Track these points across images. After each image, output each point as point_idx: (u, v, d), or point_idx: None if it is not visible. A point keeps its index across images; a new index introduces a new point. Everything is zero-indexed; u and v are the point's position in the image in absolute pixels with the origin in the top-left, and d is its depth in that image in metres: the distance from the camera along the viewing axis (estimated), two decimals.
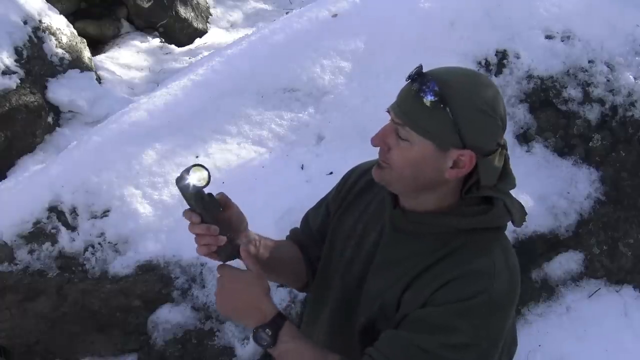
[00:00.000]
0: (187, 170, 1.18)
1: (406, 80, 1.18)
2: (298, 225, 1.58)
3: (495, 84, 1.21)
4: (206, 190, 1.21)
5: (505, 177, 1.22)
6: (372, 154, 1.51)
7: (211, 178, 1.19)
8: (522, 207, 1.27)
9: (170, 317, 2.64)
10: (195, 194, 1.19)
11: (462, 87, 1.14)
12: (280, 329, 1.16)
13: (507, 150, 1.21)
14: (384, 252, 1.26)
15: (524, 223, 1.28)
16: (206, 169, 1.19)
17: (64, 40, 4.81)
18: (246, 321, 1.21)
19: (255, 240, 1.37)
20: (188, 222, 1.24)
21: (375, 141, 1.22)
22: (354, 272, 1.31)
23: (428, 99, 1.11)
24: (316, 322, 1.42)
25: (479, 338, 1.11)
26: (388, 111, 1.20)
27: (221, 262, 1.26)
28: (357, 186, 1.42)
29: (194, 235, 1.24)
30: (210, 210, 1.21)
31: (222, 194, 1.30)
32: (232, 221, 1.30)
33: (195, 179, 1.18)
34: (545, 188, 2.92)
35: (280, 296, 2.58)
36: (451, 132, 1.13)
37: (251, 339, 2.56)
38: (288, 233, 1.59)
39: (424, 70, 1.17)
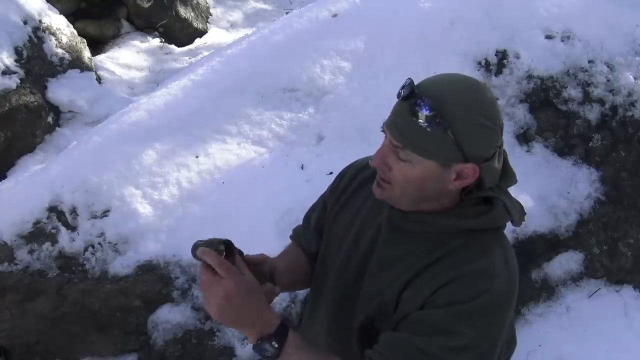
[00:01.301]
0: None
1: (397, 97, 1.15)
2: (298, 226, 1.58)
3: (488, 87, 1.20)
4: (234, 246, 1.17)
5: (505, 174, 1.22)
6: (372, 153, 1.52)
7: (227, 245, 1.14)
8: (521, 207, 1.26)
9: (170, 317, 2.64)
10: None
11: (459, 102, 1.11)
12: (285, 340, 1.11)
13: (503, 147, 1.20)
14: (381, 250, 1.26)
15: (524, 223, 1.27)
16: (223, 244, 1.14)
17: (64, 40, 4.82)
18: (247, 330, 1.12)
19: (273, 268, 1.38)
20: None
21: (375, 163, 1.19)
22: (351, 269, 1.31)
23: (424, 118, 1.08)
24: (315, 321, 1.41)
25: (479, 339, 1.11)
26: (383, 130, 1.18)
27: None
28: (354, 182, 1.41)
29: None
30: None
31: (262, 256, 1.32)
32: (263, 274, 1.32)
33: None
34: (545, 188, 2.92)
35: (280, 296, 2.58)
36: (453, 149, 1.11)
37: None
38: (288, 232, 1.59)
39: (415, 82, 1.14)
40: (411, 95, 1.12)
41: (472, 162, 1.13)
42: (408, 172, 1.14)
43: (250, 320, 1.11)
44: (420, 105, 1.09)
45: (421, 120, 1.09)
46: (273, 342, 1.10)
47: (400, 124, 1.13)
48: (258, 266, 1.31)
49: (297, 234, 1.55)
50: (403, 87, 1.14)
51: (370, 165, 1.20)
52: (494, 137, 1.14)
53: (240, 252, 1.20)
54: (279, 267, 1.38)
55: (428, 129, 1.09)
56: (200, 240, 1.15)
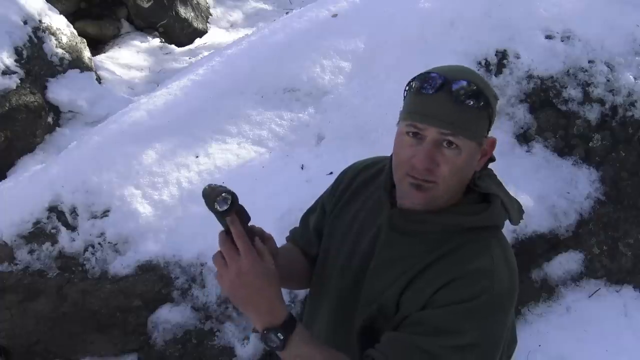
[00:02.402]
0: (216, 199, 1.14)
1: (423, 92, 1.15)
2: (297, 225, 1.57)
3: None
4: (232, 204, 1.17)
5: None
6: (372, 153, 1.52)
7: (233, 198, 1.15)
8: (520, 206, 1.28)
9: (170, 317, 2.64)
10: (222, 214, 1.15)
11: (479, 78, 1.18)
12: (292, 333, 1.12)
13: None
14: (381, 252, 1.25)
15: (525, 223, 1.28)
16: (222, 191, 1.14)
17: (64, 40, 4.82)
18: (256, 316, 1.13)
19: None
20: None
21: (425, 164, 1.14)
22: (352, 271, 1.30)
23: (473, 99, 1.13)
24: (315, 322, 1.41)
25: (481, 338, 1.11)
26: (417, 129, 1.15)
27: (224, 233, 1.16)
28: (354, 184, 1.41)
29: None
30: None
31: (259, 229, 1.27)
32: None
33: (221, 203, 1.15)
34: (545, 188, 2.92)
35: None
36: (487, 125, 1.18)
37: (251, 339, 2.56)
38: (287, 232, 1.58)
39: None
40: (446, 84, 1.14)
41: (491, 136, 1.21)
42: (456, 161, 1.15)
43: (260, 304, 1.12)
44: (464, 88, 1.13)
45: (472, 102, 1.13)
46: (279, 334, 1.11)
47: (444, 113, 1.14)
48: (266, 240, 1.24)
49: (295, 236, 1.54)
50: (427, 81, 1.15)
51: (420, 171, 1.16)
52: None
53: (247, 216, 1.18)
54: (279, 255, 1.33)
55: (476, 109, 1.14)
56: (209, 186, 1.16)
